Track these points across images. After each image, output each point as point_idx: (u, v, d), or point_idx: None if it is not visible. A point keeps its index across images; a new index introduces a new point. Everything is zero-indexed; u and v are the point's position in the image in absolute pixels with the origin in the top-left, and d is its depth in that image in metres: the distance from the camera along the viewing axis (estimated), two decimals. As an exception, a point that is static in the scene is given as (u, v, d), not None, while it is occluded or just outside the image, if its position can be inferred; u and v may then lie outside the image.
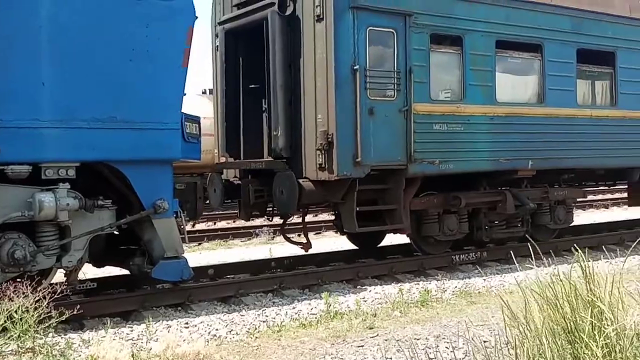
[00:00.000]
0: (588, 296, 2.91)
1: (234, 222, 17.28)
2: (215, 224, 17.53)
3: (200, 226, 16.55)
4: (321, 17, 8.50)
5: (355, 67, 8.55)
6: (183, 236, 7.52)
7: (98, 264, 7.95)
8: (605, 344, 2.80)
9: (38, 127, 6.40)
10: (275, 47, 8.87)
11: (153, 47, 7.00)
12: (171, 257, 7.31)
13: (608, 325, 2.76)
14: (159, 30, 7.04)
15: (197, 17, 7.35)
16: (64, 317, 5.73)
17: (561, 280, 3.04)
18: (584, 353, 2.84)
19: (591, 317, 2.80)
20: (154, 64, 7.02)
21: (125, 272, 8.13)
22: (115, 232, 7.52)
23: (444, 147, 9.41)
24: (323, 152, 8.56)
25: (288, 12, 8.88)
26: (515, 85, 10.44)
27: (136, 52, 6.91)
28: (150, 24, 6.97)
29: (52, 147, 6.51)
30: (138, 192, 7.05)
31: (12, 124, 6.28)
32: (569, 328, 2.87)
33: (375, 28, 8.78)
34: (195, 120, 7.81)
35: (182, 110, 7.36)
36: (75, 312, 5.88)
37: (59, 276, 7.30)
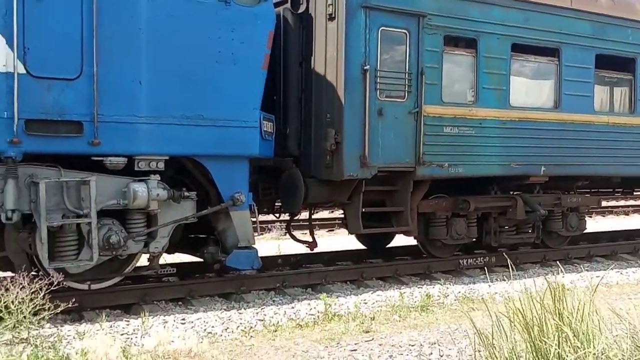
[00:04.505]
0: (554, 319, 2.84)
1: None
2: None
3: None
4: (333, 16, 8.44)
5: (365, 67, 8.48)
6: (255, 226, 7.97)
7: (170, 250, 8.22)
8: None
9: (134, 122, 6.91)
10: (286, 45, 8.84)
11: (237, 50, 7.46)
12: (243, 247, 7.82)
13: (571, 353, 2.69)
14: (243, 35, 7.51)
15: (276, 22, 7.88)
16: (58, 310, 5.78)
17: (532, 300, 2.96)
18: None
19: (557, 342, 2.73)
20: (238, 66, 7.48)
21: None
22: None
23: (454, 150, 9.30)
24: (330, 151, 8.52)
25: (301, 10, 8.83)
26: (530, 90, 10.27)
27: (222, 55, 7.39)
28: (236, 28, 7.45)
29: (146, 141, 7.02)
30: (219, 185, 7.59)
31: (112, 118, 6.79)
32: (538, 353, 2.80)
33: (387, 28, 8.70)
34: (270, 119, 8.20)
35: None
36: (69, 305, 5.93)
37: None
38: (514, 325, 2.98)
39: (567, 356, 2.69)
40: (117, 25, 6.80)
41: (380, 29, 8.65)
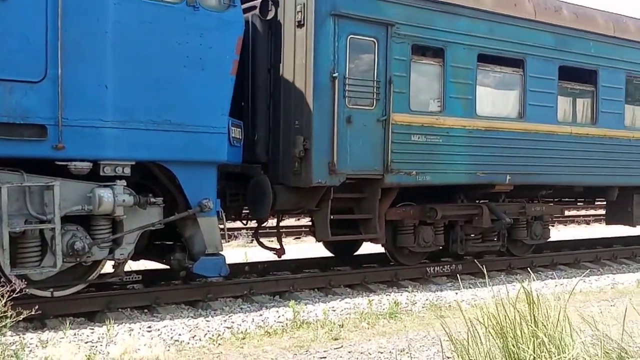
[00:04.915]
0: (530, 325, 2.86)
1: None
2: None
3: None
4: (302, 23, 8.45)
5: (334, 75, 8.50)
6: (223, 233, 7.90)
7: (135, 257, 8.06)
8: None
9: (100, 127, 6.78)
10: (255, 51, 8.81)
11: (205, 55, 7.40)
12: (211, 253, 7.74)
13: (547, 358, 2.71)
14: (212, 40, 7.44)
15: (245, 28, 7.85)
16: (21, 317, 5.62)
17: (504, 306, 2.97)
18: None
19: (533, 348, 2.74)
20: (206, 71, 7.41)
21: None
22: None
23: (422, 158, 9.37)
24: (299, 158, 8.50)
25: (270, 17, 8.82)
26: (495, 100, 10.42)
27: (190, 60, 7.31)
28: (204, 33, 7.39)
29: (112, 146, 6.89)
30: (186, 191, 7.50)
31: (77, 122, 6.65)
32: (513, 359, 2.81)
33: (356, 36, 8.74)
34: (239, 125, 8.15)
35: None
36: (32, 313, 5.76)
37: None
38: (489, 331, 2.98)
39: (543, 361, 2.71)
40: (82, 28, 6.67)
41: (349, 37, 8.69)
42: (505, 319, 2.97)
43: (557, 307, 3.04)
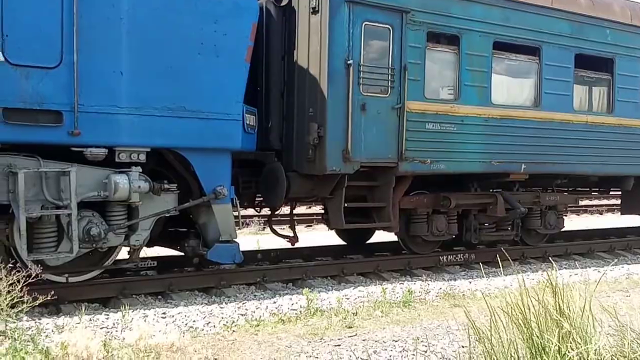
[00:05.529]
0: (555, 316, 2.82)
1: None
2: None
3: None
4: (317, 9, 8.39)
5: (349, 62, 8.44)
6: (237, 220, 7.96)
7: (149, 244, 8.07)
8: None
9: (115, 113, 6.80)
10: (269, 38, 8.77)
11: (220, 42, 7.40)
12: (225, 240, 7.77)
13: (573, 349, 2.67)
14: (226, 26, 7.43)
15: (259, 15, 7.87)
16: (37, 302, 5.65)
17: (529, 295, 2.94)
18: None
19: (558, 338, 2.71)
20: (221, 58, 7.41)
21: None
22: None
23: (436, 146, 9.31)
24: (313, 145, 8.47)
25: (284, 3, 8.76)
26: (511, 88, 10.32)
27: (204, 46, 7.31)
28: (218, 20, 7.39)
29: (127, 133, 6.90)
30: (200, 178, 7.52)
31: (93, 109, 6.67)
32: (536, 348, 2.78)
33: (371, 23, 8.67)
34: (253, 112, 8.14)
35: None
36: (48, 298, 5.80)
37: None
38: (512, 320, 2.96)
39: (567, 352, 2.68)
40: (98, 14, 6.68)
41: (364, 23, 8.62)
42: (529, 308, 2.93)
43: (581, 298, 3.00)
